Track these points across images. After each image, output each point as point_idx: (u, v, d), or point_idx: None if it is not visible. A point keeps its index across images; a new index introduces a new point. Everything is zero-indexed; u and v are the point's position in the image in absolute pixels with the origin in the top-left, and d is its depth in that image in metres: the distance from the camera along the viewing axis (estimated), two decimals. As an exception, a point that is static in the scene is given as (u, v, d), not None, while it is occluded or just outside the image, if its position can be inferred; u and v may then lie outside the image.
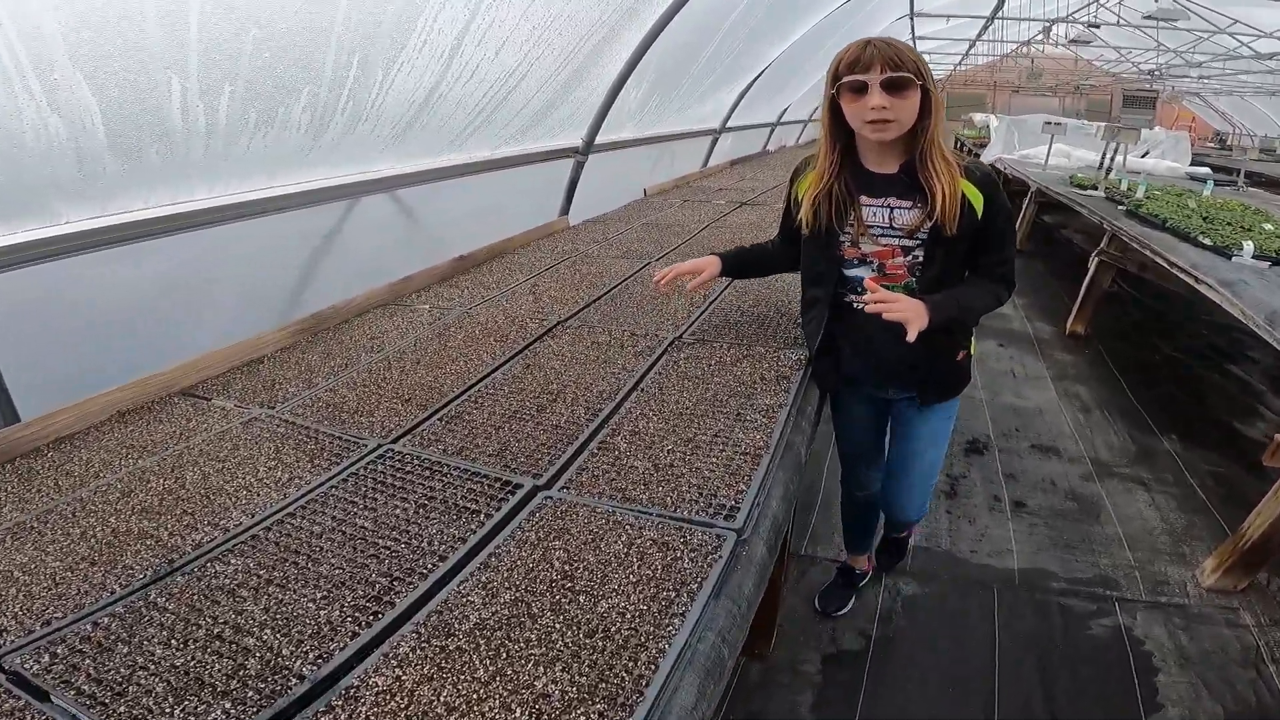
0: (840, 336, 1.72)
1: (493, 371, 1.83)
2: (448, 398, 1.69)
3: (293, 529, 1.22)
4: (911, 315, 1.45)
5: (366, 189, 2.23)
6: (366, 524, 1.22)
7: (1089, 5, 8.77)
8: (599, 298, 2.39)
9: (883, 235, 1.57)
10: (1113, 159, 5.72)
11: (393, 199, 2.68)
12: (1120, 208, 4.50)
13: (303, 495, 1.31)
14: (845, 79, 1.41)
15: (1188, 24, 8.90)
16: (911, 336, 1.45)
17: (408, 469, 1.40)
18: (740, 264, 1.93)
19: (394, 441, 1.50)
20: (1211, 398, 4.10)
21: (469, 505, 1.28)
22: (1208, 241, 3.21)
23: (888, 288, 1.54)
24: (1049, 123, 7.17)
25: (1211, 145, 17.95)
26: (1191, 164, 8.35)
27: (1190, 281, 3.04)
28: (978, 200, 1.50)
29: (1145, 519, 2.89)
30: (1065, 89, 22.14)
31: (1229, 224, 3.67)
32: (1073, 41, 12.00)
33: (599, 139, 3.53)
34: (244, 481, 1.36)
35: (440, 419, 1.59)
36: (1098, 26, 8.64)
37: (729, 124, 5.97)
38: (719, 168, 6.15)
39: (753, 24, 3.99)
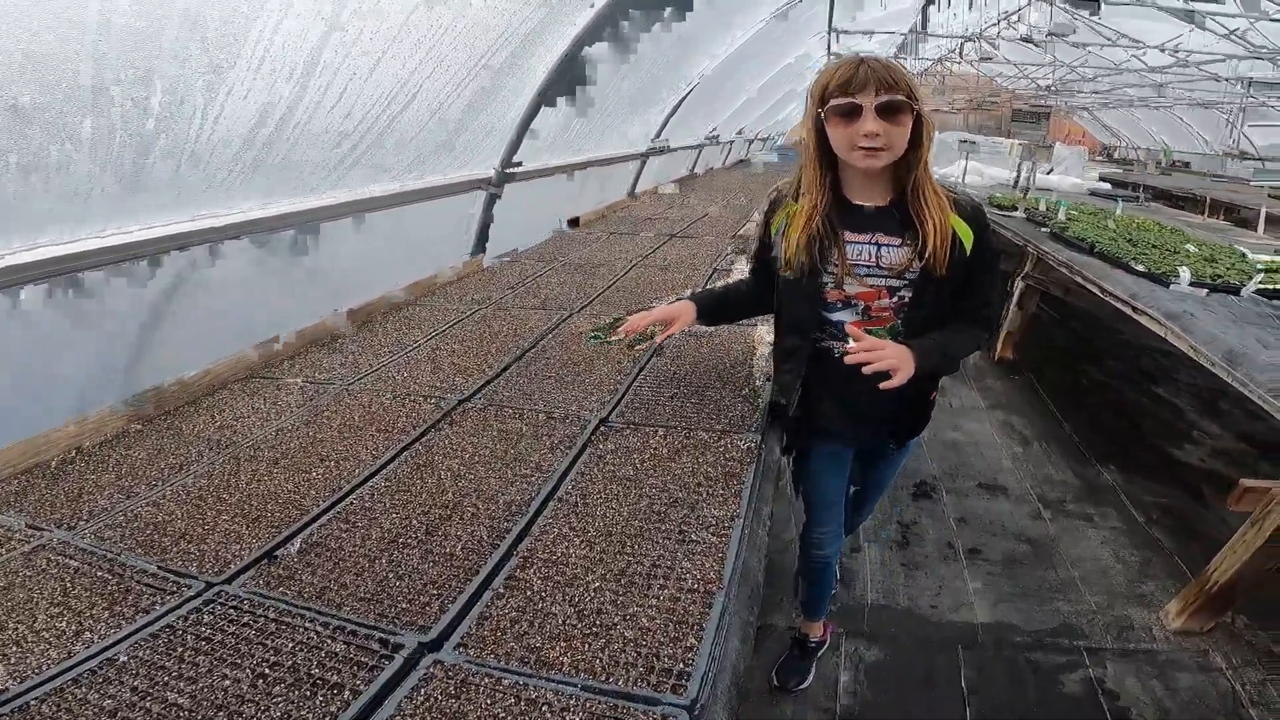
0: (818, 386, 1.57)
1: (372, 475, 1.46)
2: (310, 515, 1.33)
3: (75, 702, 0.92)
4: (899, 364, 1.32)
5: (211, 237, 1.83)
6: (181, 700, 0.92)
7: (998, 23, 9.09)
8: (511, 364, 2.05)
9: (868, 275, 1.43)
10: (1029, 177, 5.80)
11: (269, 244, 2.26)
12: (1043, 229, 4.50)
13: (94, 656, 0.99)
14: (835, 101, 1.28)
15: (1078, 38, 9.37)
16: (893, 384, 1.33)
17: (246, 620, 1.06)
18: (714, 309, 1.76)
19: (230, 580, 1.16)
20: (1145, 423, 4.13)
21: (329, 676, 0.96)
22: (1141, 268, 3.16)
23: (871, 332, 1.42)
24: (964, 141, 7.31)
25: (1099, 158, 19.13)
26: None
27: (1129, 312, 2.96)
28: (968, 237, 1.39)
29: (1099, 559, 2.82)
30: (968, 106, 23.31)
31: (1154, 246, 3.68)
32: (982, 59, 12.53)
33: (515, 167, 3.19)
34: (14, 634, 1.04)
35: (298, 546, 1.24)
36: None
37: (655, 147, 5.75)
38: (647, 193, 5.92)
39: (679, 33, 3.76)
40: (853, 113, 1.27)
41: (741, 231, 3.96)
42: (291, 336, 2.22)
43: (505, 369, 2.01)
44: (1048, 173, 7.85)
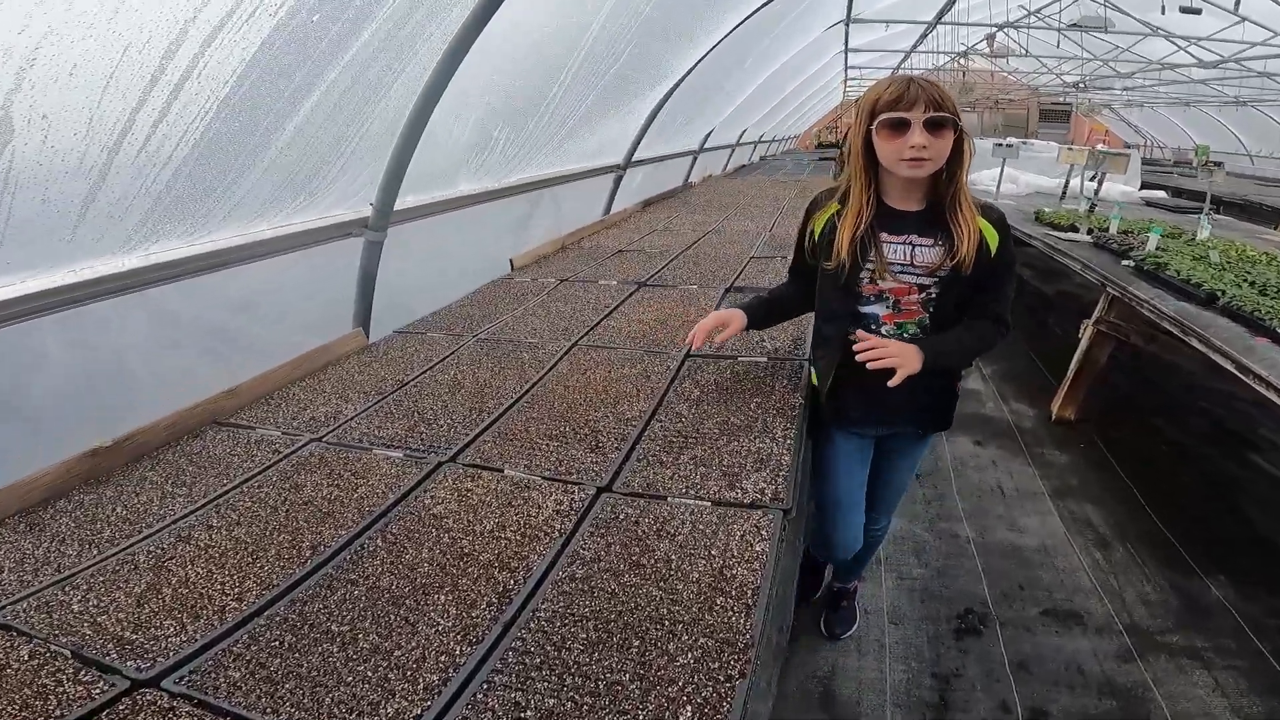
0: (844, 373, 1.65)
1: None
2: None
3: None
4: (901, 361, 1.47)
5: None
6: None
7: (1027, 15, 8.11)
8: (288, 590, 1.12)
9: (902, 272, 1.55)
10: (1097, 190, 4.82)
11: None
12: (1125, 263, 3.54)
13: None
14: (885, 115, 1.39)
15: (1113, 31, 8.44)
16: (896, 381, 1.47)
17: None
18: (764, 314, 1.84)
19: None
20: (1250, 508, 3.21)
21: None
22: (1303, 341, 2.22)
23: (900, 325, 1.59)
24: (1000, 144, 6.33)
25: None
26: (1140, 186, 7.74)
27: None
28: (993, 239, 1.51)
29: (1210, 713, 2.07)
30: (984, 104, 22.17)
31: (1282, 292, 2.72)
32: (994, 55, 11.53)
33: (406, 201, 2.25)
34: None
35: None
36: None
37: (636, 157, 4.80)
38: (627, 212, 4.90)
39: (636, 25, 2.83)
40: (901, 126, 1.38)
41: (739, 279, 2.95)
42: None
43: (273, 602, 1.08)
44: (1091, 178, 6.87)
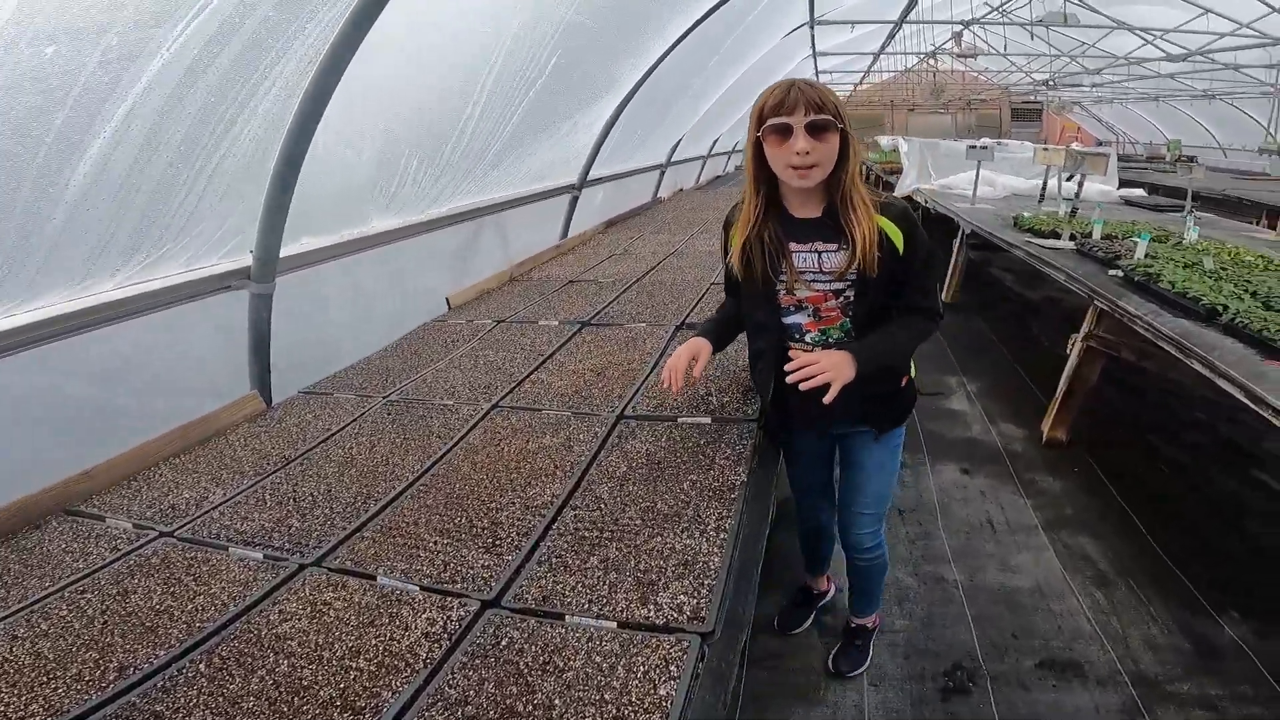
0: (782, 386, 1.58)
1: None
2: None
3: None
4: (833, 375, 1.44)
5: None
6: None
7: (992, 11, 7.98)
8: None
9: (814, 280, 1.56)
10: (1078, 193, 4.62)
11: None
12: (1113, 273, 3.31)
13: None
14: (770, 121, 1.39)
15: (1079, 25, 8.35)
16: (831, 396, 1.44)
17: None
18: (718, 335, 1.79)
19: None
20: (1259, 531, 2.95)
21: None
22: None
23: (825, 331, 1.59)
24: (974, 146, 6.14)
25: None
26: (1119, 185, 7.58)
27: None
28: (897, 237, 1.50)
29: None
30: (957, 104, 22.24)
31: (1286, 302, 2.49)
32: (961, 55, 11.46)
33: (303, 244, 1.97)
34: None
35: None
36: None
37: (593, 175, 4.55)
38: (587, 235, 4.62)
39: (558, 34, 2.56)
40: (785, 131, 1.37)
41: (694, 312, 2.66)
42: None
43: None
44: (1069, 179, 6.71)
